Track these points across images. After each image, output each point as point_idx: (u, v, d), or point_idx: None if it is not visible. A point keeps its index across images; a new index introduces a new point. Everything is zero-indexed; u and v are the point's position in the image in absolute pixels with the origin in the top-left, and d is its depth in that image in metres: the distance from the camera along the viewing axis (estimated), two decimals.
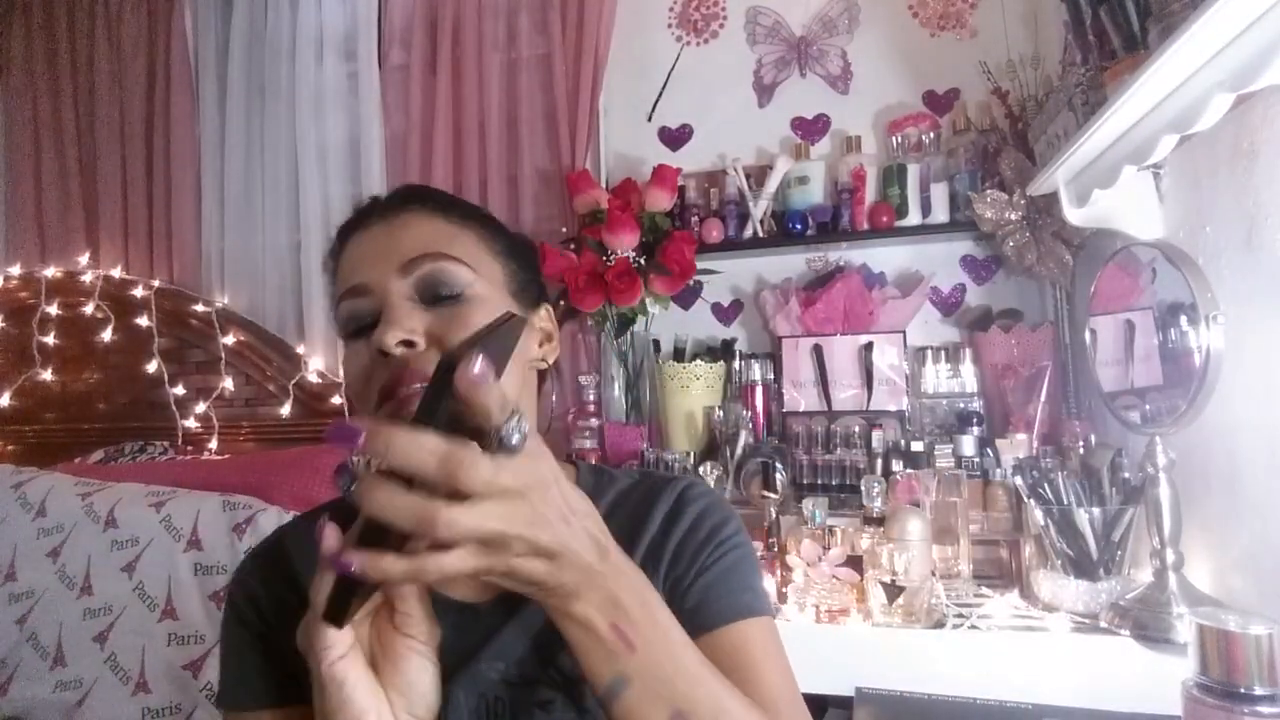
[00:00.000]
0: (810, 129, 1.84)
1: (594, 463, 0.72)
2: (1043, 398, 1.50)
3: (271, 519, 1.44)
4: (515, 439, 0.39)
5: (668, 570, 0.62)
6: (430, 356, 0.56)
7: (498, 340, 0.45)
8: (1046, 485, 1.15)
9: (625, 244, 1.62)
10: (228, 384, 1.95)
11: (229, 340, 1.96)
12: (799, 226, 1.68)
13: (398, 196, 0.65)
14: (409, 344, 0.56)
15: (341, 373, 0.59)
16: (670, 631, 0.47)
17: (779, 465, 1.46)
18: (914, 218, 1.65)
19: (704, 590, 0.60)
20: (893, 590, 1.11)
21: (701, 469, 1.54)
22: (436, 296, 0.59)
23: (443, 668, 0.58)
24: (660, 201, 1.69)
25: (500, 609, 0.61)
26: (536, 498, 0.40)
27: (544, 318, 0.68)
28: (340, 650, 0.44)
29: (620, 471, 0.70)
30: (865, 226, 1.66)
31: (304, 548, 0.65)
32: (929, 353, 1.62)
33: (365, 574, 0.38)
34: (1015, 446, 1.40)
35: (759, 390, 1.67)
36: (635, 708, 0.44)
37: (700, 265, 1.68)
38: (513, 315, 0.49)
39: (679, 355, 1.76)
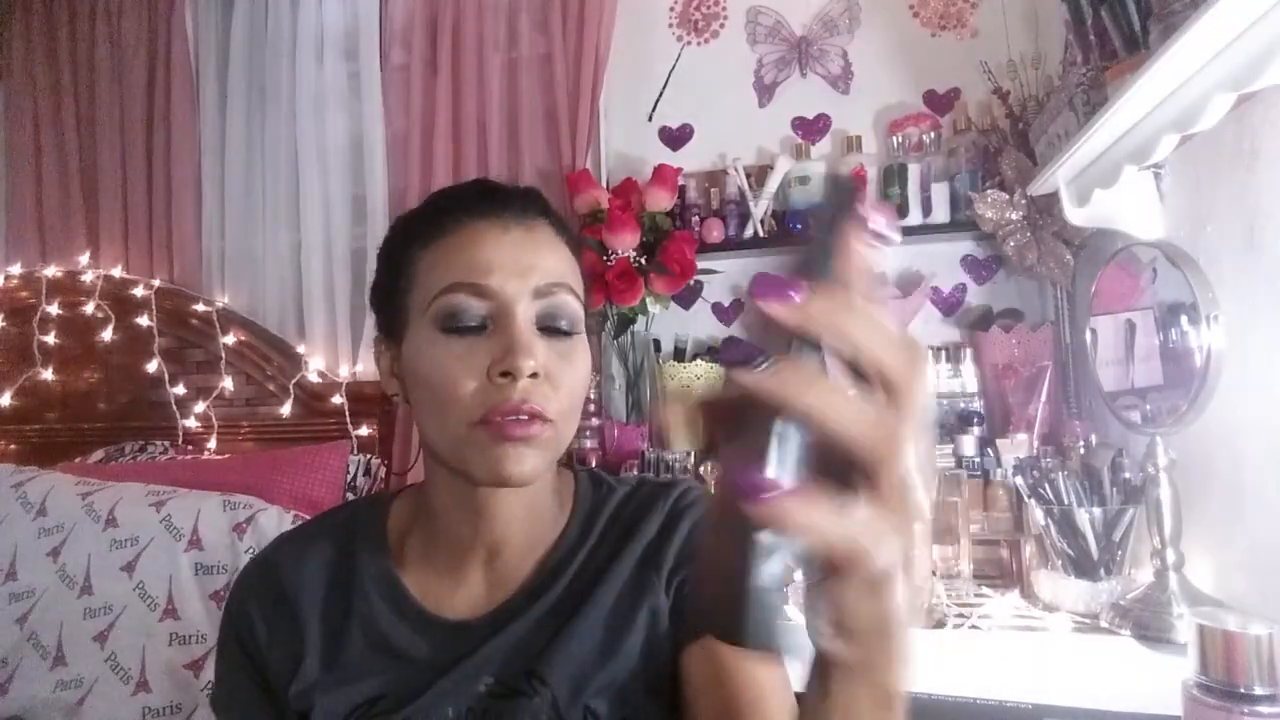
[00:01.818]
0: (811, 129, 1.84)
1: (592, 469, 0.72)
2: (1043, 398, 1.50)
3: (272, 519, 1.44)
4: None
5: (669, 576, 0.62)
6: (545, 391, 0.56)
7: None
8: (1047, 485, 1.15)
9: (626, 244, 1.62)
10: (228, 384, 1.95)
11: (229, 340, 1.95)
12: (800, 226, 1.68)
13: (533, 202, 0.62)
14: (534, 374, 0.55)
15: (425, 363, 0.56)
16: None
17: None
18: (915, 217, 1.65)
19: None
20: None
21: (702, 469, 1.54)
22: (553, 328, 0.58)
23: (430, 680, 0.58)
24: (661, 201, 1.69)
25: (489, 624, 0.61)
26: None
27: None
28: None
29: (617, 480, 0.70)
30: None
31: (301, 558, 0.66)
32: (929, 353, 1.63)
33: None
34: (1016, 446, 1.40)
35: None
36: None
37: (701, 265, 1.68)
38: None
39: (679, 355, 1.76)
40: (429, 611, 0.62)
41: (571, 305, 0.59)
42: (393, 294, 0.61)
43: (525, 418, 0.54)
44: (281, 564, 0.66)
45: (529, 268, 0.58)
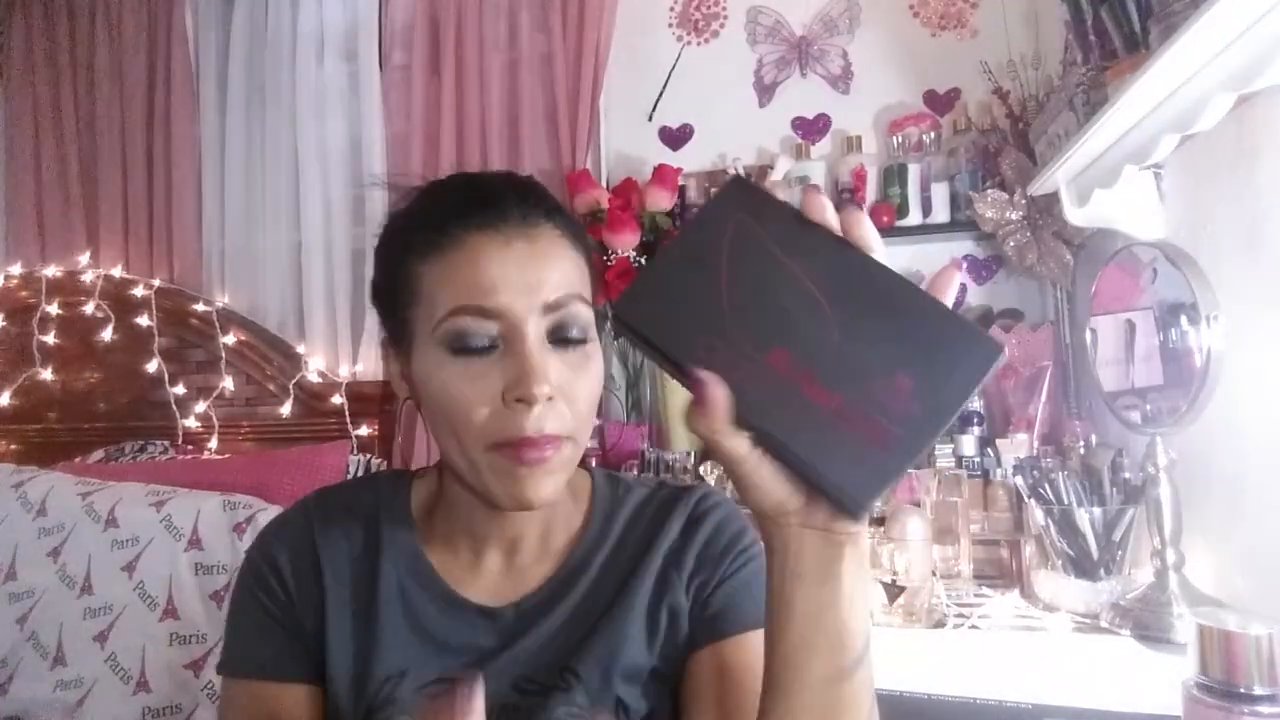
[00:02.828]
0: (811, 129, 1.84)
1: (605, 469, 0.72)
2: (1043, 397, 1.50)
3: (272, 519, 1.44)
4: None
5: (689, 578, 0.63)
6: (559, 409, 0.55)
7: None
8: (1047, 485, 1.15)
9: (626, 244, 1.63)
10: (228, 383, 1.95)
11: (229, 340, 1.95)
12: None
13: (531, 203, 0.58)
14: (549, 397, 0.54)
15: (438, 385, 0.56)
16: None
17: None
18: (915, 217, 1.65)
19: (727, 598, 0.61)
20: (893, 590, 1.11)
21: (702, 469, 1.54)
22: (564, 339, 0.56)
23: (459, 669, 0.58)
24: (661, 201, 1.69)
25: (514, 616, 0.62)
26: None
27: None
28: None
29: (634, 480, 0.70)
30: None
31: (328, 523, 0.65)
32: None
33: None
34: (1016, 446, 1.40)
35: None
36: (860, 692, 0.43)
37: None
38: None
39: None
40: (455, 591, 0.62)
41: (583, 313, 0.57)
42: (395, 305, 0.59)
43: (541, 444, 0.54)
44: (311, 524, 0.65)
45: (536, 283, 0.55)
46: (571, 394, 0.56)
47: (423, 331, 0.57)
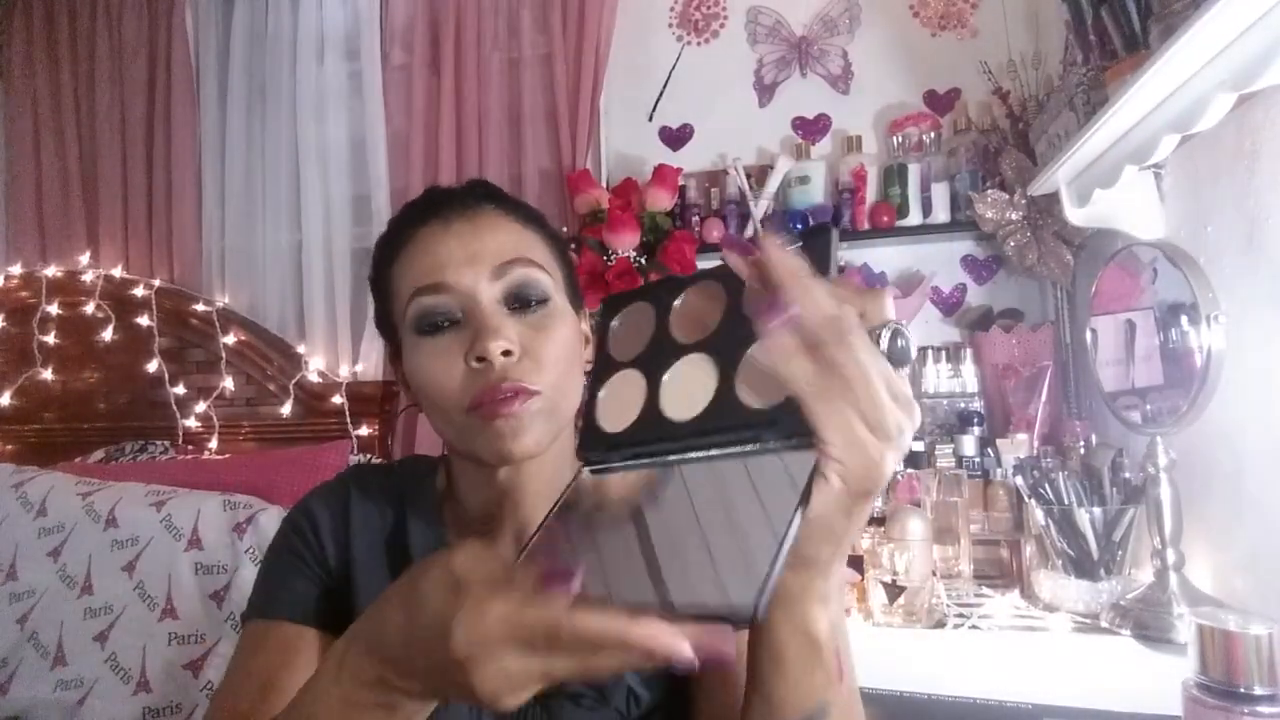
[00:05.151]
0: (811, 129, 1.84)
1: None
2: (1043, 398, 1.50)
3: (272, 519, 1.44)
4: (913, 353, 0.37)
5: None
6: (525, 365, 0.58)
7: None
8: (1047, 485, 1.15)
9: (626, 244, 1.62)
10: (228, 383, 1.95)
11: (229, 340, 1.95)
12: (800, 226, 1.68)
13: (474, 194, 0.65)
14: (507, 353, 0.57)
15: (410, 368, 0.63)
16: (853, 670, 0.47)
17: None
18: (915, 218, 1.65)
19: None
20: (893, 590, 1.11)
21: None
22: (523, 303, 0.60)
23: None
24: (661, 201, 1.69)
25: None
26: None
27: (584, 320, 0.69)
28: None
29: None
30: (866, 226, 1.66)
31: (365, 497, 0.67)
32: (930, 353, 1.62)
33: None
34: (1016, 446, 1.40)
35: None
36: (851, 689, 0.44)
37: (701, 265, 1.68)
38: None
39: None
40: None
41: (535, 276, 0.61)
42: (385, 316, 0.65)
43: (509, 395, 0.56)
44: (350, 494, 0.68)
45: (477, 253, 0.60)
46: (536, 352, 0.58)
47: (401, 325, 0.62)
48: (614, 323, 0.48)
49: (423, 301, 0.60)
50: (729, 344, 0.40)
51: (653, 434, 0.42)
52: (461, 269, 0.59)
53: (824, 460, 0.35)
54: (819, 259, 0.38)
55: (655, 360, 0.44)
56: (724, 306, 0.42)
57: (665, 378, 0.43)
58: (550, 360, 0.59)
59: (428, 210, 0.64)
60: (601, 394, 0.46)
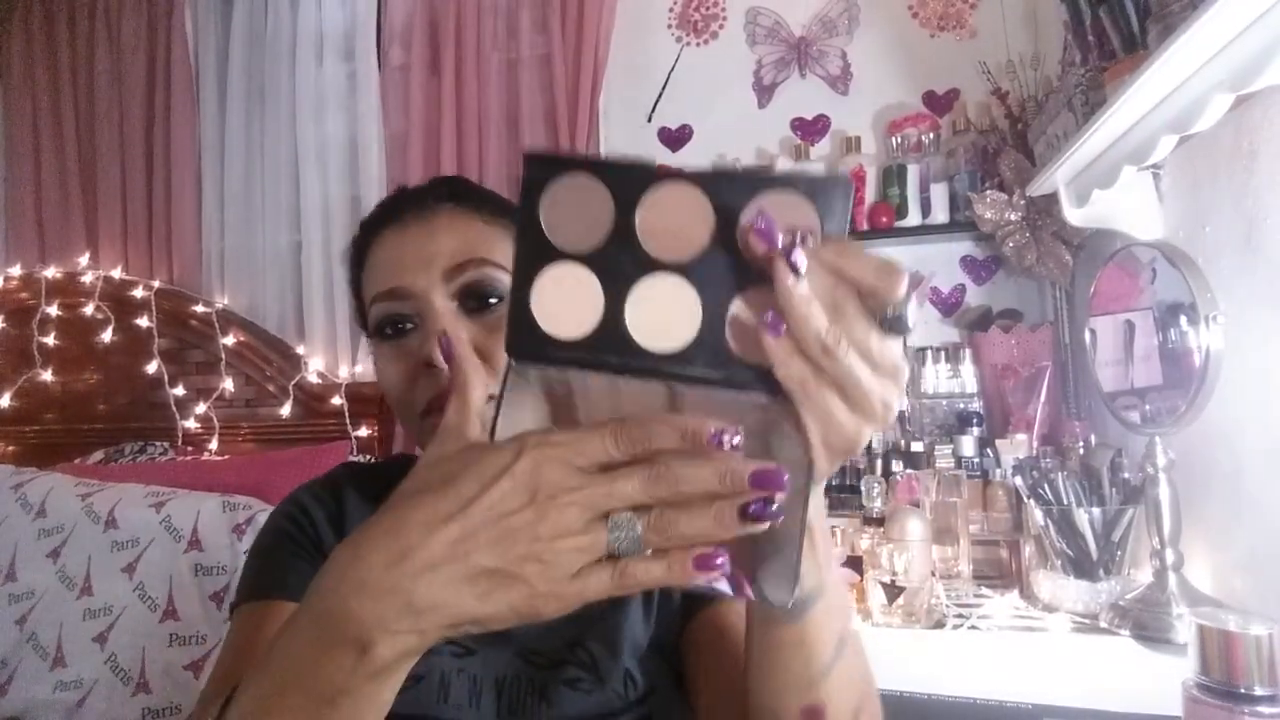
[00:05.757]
0: (810, 129, 1.84)
1: None
2: (1042, 398, 1.50)
3: None
4: (911, 321, 0.35)
5: None
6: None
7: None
8: (1046, 485, 1.15)
9: None
10: (228, 384, 1.95)
11: (229, 341, 1.96)
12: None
13: (430, 193, 0.64)
14: None
15: (376, 373, 0.64)
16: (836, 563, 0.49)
17: None
18: (914, 218, 1.65)
19: None
20: (893, 591, 1.11)
21: None
22: (479, 304, 0.60)
23: (469, 648, 0.58)
24: None
25: None
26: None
27: None
28: None
29: None
30: (865, 227, 1.66)
31: (357, 491, 0.68)
32: (929, 353, 1.62)
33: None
34: (1015, 447, 1.40)
35: None
36: (821, 621, 0.44)
37: None
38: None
39: None
40: None
41: (490, 275, 0.60)
42: (361, 319, 0.65)
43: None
44: (341, 488, 0.68)
45: (430, 256, 0.59)
46: (490, 354, 0.57)
47: (369, 331, 0.63)
48: (550, 194, 0.38)
49: (380, 307, 0.60)
50: (714, 279, 0.36)
51: (618, 357, 0.37)
52: (416, 273, 0.59)
53: (804, 439, 0.35)
54: (834, 214, 0.35)
55: (615, 266, 0.37)
56: (710, 231, 0.36)
57: (633, 294, 0.37)
58: (502, 361, 0.58)
59: (390, 212, 0.64)
60: (538, 285, 0.38)
